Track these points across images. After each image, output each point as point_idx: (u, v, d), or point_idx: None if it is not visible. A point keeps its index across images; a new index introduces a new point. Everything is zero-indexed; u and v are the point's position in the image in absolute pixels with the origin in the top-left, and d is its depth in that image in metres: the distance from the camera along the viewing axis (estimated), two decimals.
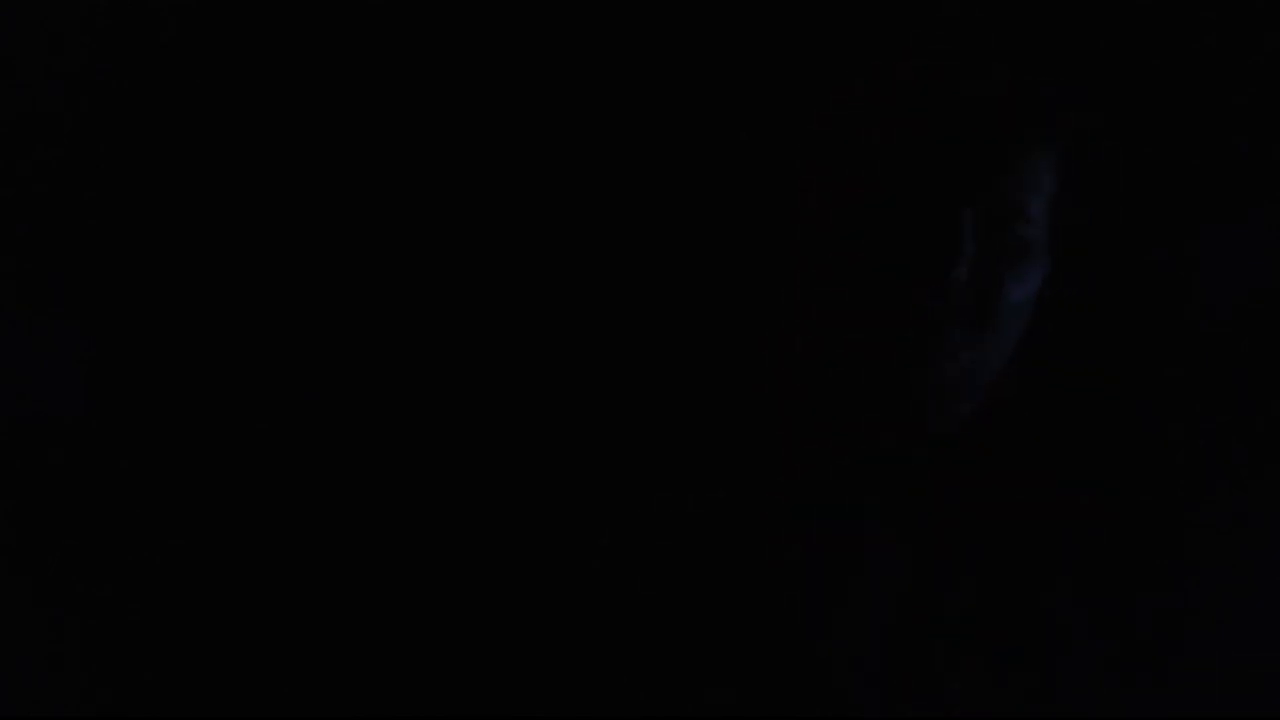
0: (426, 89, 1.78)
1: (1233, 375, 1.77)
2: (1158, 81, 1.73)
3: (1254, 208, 1.77)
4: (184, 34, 1.76)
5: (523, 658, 1.57)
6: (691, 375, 1.66)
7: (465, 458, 1.74)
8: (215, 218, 1.79)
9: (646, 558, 1.55)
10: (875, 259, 1.52)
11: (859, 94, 1.58)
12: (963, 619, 1.59)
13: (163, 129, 1.77)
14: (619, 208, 1.78)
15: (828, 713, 1.55)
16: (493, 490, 1.67)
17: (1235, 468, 1.71)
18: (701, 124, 1.77)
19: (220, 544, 1.76)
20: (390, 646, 1.69)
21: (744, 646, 1.55)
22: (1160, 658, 1.62)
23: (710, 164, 1.77)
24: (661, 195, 1.78)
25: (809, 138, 1.64)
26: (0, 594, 1.75)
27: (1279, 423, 1.75)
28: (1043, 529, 1.60)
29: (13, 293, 1.77)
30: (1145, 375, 1.74)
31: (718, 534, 1.56)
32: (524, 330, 1.77)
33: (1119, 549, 1.62)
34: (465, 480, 1.72)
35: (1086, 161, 1.58)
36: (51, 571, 1.76)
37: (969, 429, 1.58)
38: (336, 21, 1.77)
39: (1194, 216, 1.76)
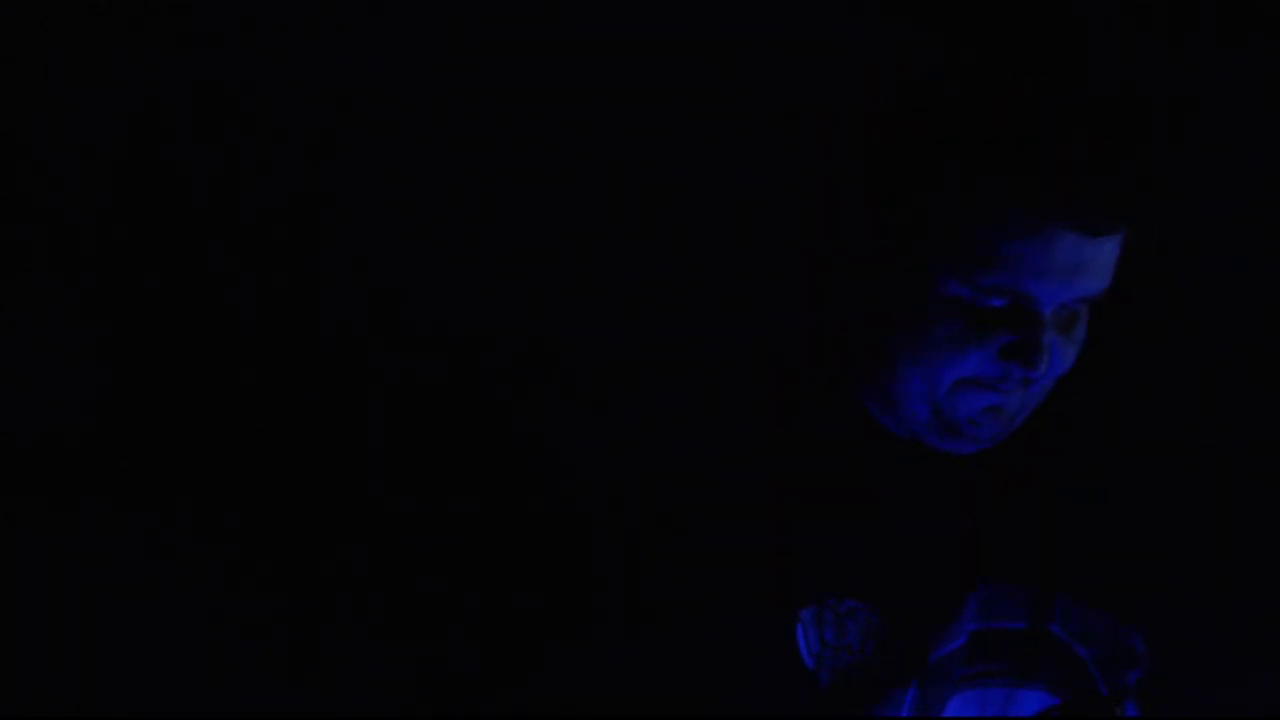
0: (427, 92, 1.79)
1: (1232, 375, 1.78)
2: (1157, 81, 1.73)
3: (1253, 204, 1.78)
4: (184, 34, 1.77)
5: (519, 657, 1.57)
6: (691, 375, 1.66)
7: (465, 459, 1.74)
8: (216, 220, 1.80)
9: (640, 559, 1.55)
10: (875, 259, 1.52)
11: (859, 94, 1.59)
12: (963, 618, 1.59)
13: (164, 130, 1.78)
14: (620, 209, 1.79)
15: (827, 711, 1.55)
16: (492, 489, 1.67)
17: (1235, 468, 1.71)
18: (702, 124, 1.78)
19: (221, 544, 1.76)
20: (388, 646, 1.70)
21: (742, 646, 1.55)
22: (1159, 655, 1.62)
23: (711, 164, 1.78)
24: (663, 195, 1.79)
25: (808, 137, 1.65)
26: (1, 595, 1.75)
27: (1279, 422, 1.76)
28: (1041, 527, 1.61)
29: (14, 294, 1.77)
30: (1144, 374, 1.74)
31: (712, 536, 1.56)
32: (525, 330, 1.78)
33: (1117, 548, 1.62)
34: (465, 481, 1.72)
35: None
36: (52, 572, 1.76)
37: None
38: (336, 23, 1.78)
39: (1192, 218, 1.77)
